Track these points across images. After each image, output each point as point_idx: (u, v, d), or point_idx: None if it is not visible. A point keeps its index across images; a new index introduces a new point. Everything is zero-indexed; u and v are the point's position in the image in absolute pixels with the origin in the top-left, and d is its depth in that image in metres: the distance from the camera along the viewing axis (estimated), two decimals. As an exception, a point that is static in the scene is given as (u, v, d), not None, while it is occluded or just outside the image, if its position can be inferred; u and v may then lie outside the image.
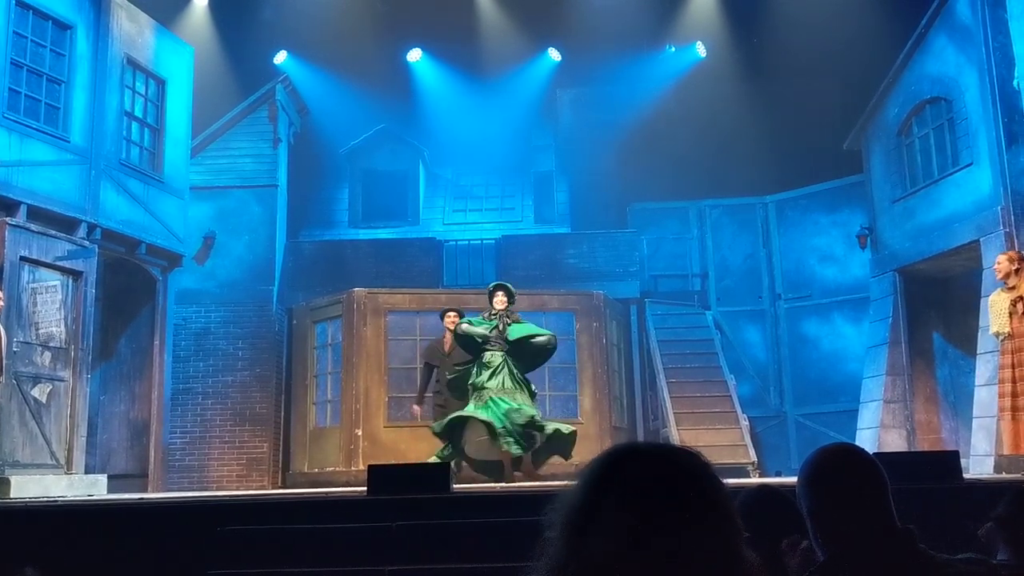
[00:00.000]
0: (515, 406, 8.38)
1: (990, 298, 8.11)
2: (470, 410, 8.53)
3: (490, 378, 8.56)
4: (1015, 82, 9.82)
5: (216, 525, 5.14)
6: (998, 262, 7.97)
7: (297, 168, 14.58)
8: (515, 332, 8.77)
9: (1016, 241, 9.71)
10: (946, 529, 2.96)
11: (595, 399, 12.59)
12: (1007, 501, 2.74)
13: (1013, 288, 7.72)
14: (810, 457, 2.10)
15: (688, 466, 1.20)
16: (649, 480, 1.16)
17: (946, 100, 11.28)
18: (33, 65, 9.74)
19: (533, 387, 8.96)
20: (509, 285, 9.16)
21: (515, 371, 8.66)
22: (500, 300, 8.89)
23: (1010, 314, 7.64)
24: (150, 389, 11.56)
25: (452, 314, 9.53)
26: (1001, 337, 7.74)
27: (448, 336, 9.55)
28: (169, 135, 11.80)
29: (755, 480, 9.39)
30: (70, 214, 9.96)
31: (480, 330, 8.76)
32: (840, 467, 2.01)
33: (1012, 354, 7.62)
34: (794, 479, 2.24)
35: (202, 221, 13.08)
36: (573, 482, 1.26)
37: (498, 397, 8.45)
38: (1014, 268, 7.75)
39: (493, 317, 8.86)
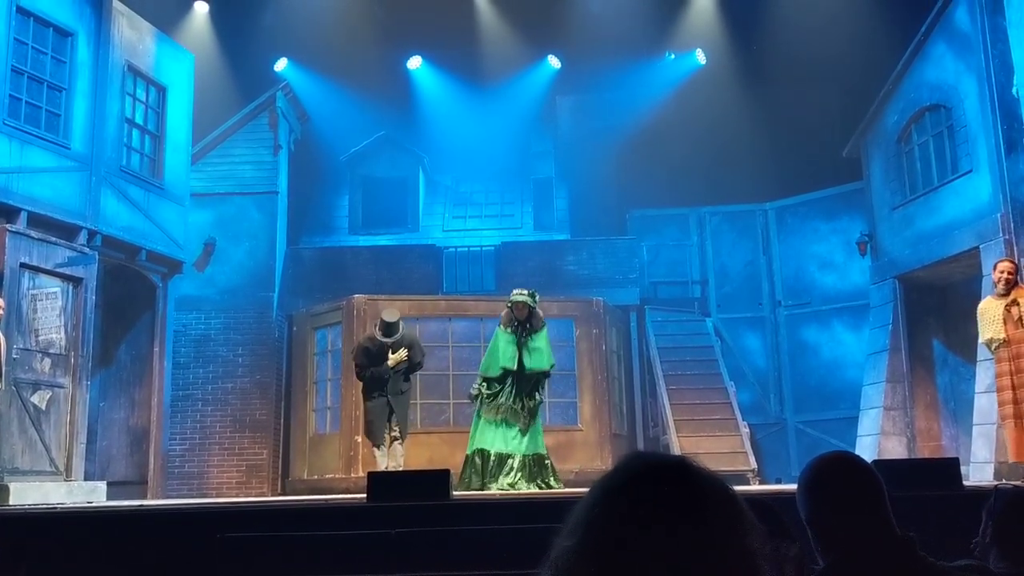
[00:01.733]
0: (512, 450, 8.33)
1: (980, 306, 8.01)
2: (487, 439, 8.42)
3: (502, 395, 8.51)
4: (1014, 89, 9.83)
5: (215, 532, 5.13)
6: (1007, 269, 7.81)
7: (297, 175, 14.59)
8: (532, 360, 8.52)
9: (1016, 248, 9.72)
10: (946, 536, 2.96)
11: (595, 406, 12.58)
12: (992, 510, 2.74)
13: (1004, 295, 7.68)
14: (808, 465, 2.10)
15: (706, 480, 1.18)
16: (666, 494, 1.15)
17: (945, 107, 11.30)
18: (34, 72, 9.75)
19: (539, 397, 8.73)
20: (526, 299, 8.71)
21: (526, 391, 8.54)
22: (521, 310, 8.63)
23: (1004, 320, 7.60)
24: (150, 396, 11.56)
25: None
26: (995, 345, 7.69)
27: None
28: (170, 142, 11.81)
29: (744, 488, 9.39)
30: (70, 221, 9.97)
31: (508, 361, 8.51)
32: (837, 474, 2.02)
33: (1010, 361, 7.58)
34: (794, 486, 2.24)
35: (202, 228, 13.09)
36: (581, 492, 1.24)
37: (506, 419, 8.43)
38: (1015, 277, 7.73)
39: (515, 331, 8.62)
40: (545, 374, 8.72)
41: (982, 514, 2.74)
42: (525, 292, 8.78)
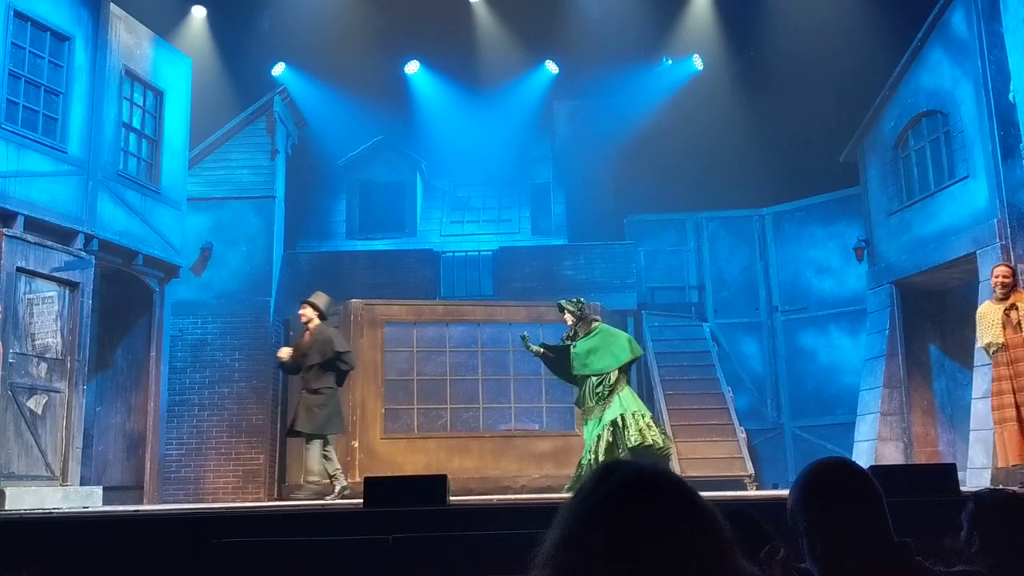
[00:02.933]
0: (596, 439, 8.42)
1: (979, 310, 8.03)
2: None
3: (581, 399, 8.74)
4: (1010, 95, 9.86)
5: (211, 537, 5.12)
6: (1005, 274, 7.83)
7: (294, 179, 14.59)
8: (586, 364, 8.67)
9: (1012, 253, 9.73)
10: (943, 542, 2.96)
11: (592, 411, 12.56)
12: (975, 516, 2.74)
13: (1003, 300, 7.69)
14: (804, 471, 2.10)
15: (677, 485, 1.22)
16: (639, 496, 1.18)
17: (942, 113, 11.32)
18: (31, 76, 9.75)
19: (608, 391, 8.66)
20: (561, 302, 9.00)
21: (594, 385, 8.65)
22: (567, 318, 8.87)
23: (1003, 324, 7.60)
24: (146, 400, 11.53)
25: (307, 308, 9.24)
26: (993, 349, 7.69)
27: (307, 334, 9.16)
28: (167, 146, 11.81)
29: (738, 494, 9.40)
30: (67, 225, 9.95)
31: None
32: (835, 481, 2.01)
33: (1008, 365, 7.58)
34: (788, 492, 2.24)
35: (199, 232, 13.08)
36: (569, 495, 1.27)
37: (591, 419, 8.59)
38: (1012, 281, 7.74)
39: (570, 338, 8.85)
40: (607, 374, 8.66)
41: (962, 521, 2.74)
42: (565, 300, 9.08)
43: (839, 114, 14.22)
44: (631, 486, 1.20)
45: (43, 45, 9.94)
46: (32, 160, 9.64)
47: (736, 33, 14.52)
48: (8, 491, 8.32)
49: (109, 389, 11.67)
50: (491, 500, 7.60)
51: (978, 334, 7.96)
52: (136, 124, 11.39)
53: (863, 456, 11.46)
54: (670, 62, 15.46)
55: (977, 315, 8.01)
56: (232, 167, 13.74)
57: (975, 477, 9.41)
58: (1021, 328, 7.48)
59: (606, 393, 8.57)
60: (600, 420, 8.47)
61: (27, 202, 9.47)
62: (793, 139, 14.16)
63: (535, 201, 15.62)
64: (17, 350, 9.09)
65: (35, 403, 9.26)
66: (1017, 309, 7.55)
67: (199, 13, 14.01)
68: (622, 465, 1.26)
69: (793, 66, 13.64)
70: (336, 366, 9.06)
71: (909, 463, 10.91)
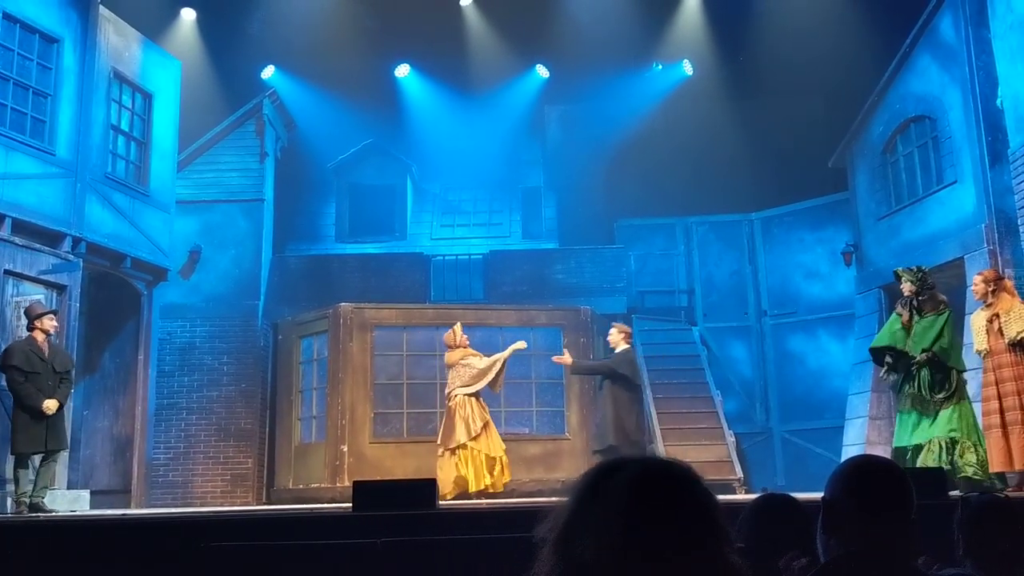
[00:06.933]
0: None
1: (971, 317, 8.16)
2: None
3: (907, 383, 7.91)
4: (998, 101, 9.92)
5: (199, 542, 5.09)
6: (974, 283, 8.01)
7: (284, 182, 14.55)
8: (914, 343, 7.70)
9: (999, 259, 9.79)
10: (932, 546, 2.97)
11: (582, 415, 12.57)
12: (960, 520, 2.76)
13: (990, 306, 7.78)
14: (868, 457, 2.10)
15: (674, 474, 1.24)
16: (635, 486, 1.20)
17: (930, 119, 11.38)
18: (19, 78, 9.71)
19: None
20: (898, 270, 8.06)
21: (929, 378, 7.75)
22: (905, 286, 7.95)
23: (987, 332, 7.68)
24: (134, 404, 11.48)
25: (52, 317, 8.49)
26: (982, 355, 7.79)
27: (42, 338, 8.29)
28: (155, 149, 11.77)
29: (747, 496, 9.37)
30: (55, 227, 9.91)
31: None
32: (890, 480, 2.00)
33: (993, 371, 7.66)
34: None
35: (188, 235, 13.03)
36: (563, 497, 1.28)
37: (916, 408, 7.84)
38: (990, 289, 7.80)
39: (904, 309, 7.93)
40: (933, 360, 7.67)
41: (954, 527, 2.77)
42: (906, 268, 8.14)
43: (828, 119, 14.27)
44: (645, 478, 1.21)
45: (31, 47, 9.90)
46: (20, 162, 9.59)
47: (726, 38, 14.55)
48: (-6, 495, 8.26)
49: (96, 393, 11.60)
50: (480, 504, 7.60)
51: (973, 340, 8.07)
52: (124, 127, 11.35)
53: (852, 460, 11.46)
54: (660, 67, 15.50)
55: (970, 321, 8.13)
56: (221, 170, 13.69)
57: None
58: (1003, 335, 7.56)
59: (941, 399, 7.65)
60: (932, 424, 7.61)
61: (14, 204, 9.42)
62: (782, 144, 14.21)
63: (526, 205, 15.63)
64: (4, 353, 9.01)
65: (22, 406, 9.18)
66: (999, 317, 7.63)
67: (188, 16, 13.96)
68: (629, 460, 1.28)
69: (783, 71, 13.70)
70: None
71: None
